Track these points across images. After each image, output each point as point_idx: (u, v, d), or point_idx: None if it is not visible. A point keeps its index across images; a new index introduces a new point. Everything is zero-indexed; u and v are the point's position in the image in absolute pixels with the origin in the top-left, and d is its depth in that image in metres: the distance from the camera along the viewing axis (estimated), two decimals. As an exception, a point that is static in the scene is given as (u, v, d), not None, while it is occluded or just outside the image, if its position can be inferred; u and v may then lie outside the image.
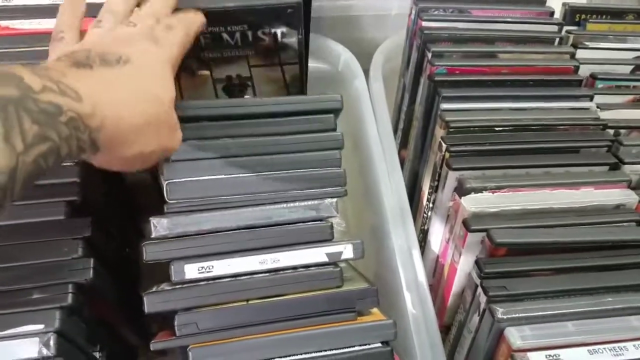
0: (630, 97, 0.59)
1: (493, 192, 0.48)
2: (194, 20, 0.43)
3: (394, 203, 0.57)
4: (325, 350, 0.39)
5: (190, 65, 0.49)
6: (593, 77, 0.59)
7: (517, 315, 0.41)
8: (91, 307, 0.42)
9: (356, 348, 0.40)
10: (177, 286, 0.40)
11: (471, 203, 0.47)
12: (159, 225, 0.40)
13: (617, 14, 0.65)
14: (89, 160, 0.36)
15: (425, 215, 0.60)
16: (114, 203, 0.56)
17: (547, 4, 0.66)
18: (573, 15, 0.64)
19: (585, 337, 0.41)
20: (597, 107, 0.56)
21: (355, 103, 0.69)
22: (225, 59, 0.50)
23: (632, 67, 0.61)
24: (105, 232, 0.47)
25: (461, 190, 0.48)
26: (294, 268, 0.41)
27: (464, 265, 0.49)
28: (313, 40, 0.64)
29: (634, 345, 0.41)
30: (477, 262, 0.45)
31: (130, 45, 0.38)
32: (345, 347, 0.39)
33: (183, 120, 0.40)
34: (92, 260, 0.40)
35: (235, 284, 0.40)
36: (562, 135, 0.54)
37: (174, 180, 0.41)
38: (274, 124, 0.43)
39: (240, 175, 0.42)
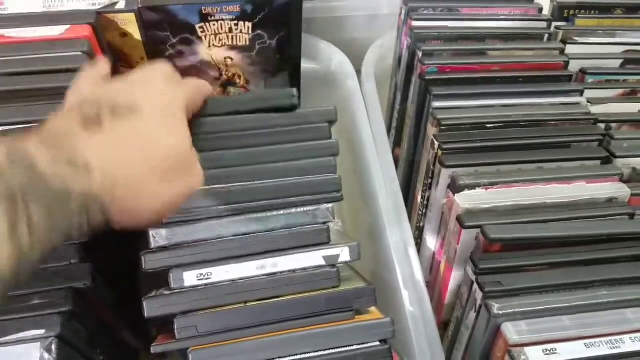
0: (620, 90, 0.60)
1: (486, 189, 0.48)
2: (203, 83, 0.43)
3: (389, 201, 0.57)
4: (324, 350, 0.39)
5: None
6: (583, 72, 0.60)
7: (513, 310, 0.42)
8: (91, 311, 0.42)
9: (355, 347, 0.40)
10: (176, 290, 0.40)
11: (465, 200, 0.47)
12: (157, 236, 0.40)
13: (605, 9, 0.65)
14: (116, 226, 0.34)
15: (420, 212, 0.60)
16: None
17: (536, 0, 0.66)
18: (562, 11, 0.65)
19: (582, 331, 0.41)
20: (588, 102, 0.57)
21: (349, 103, 0.69)
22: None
23: (621, 61, 0.62)
24: (103, 238, 0.47)
25: (454, 187, 0.49)
26: (292, 272, 0.41)
27: (459, 262, 0.49)
28: (305, 41, 0.65)
29: (630, 338, 0.41)
30: (472, 259, 0.45)
31: (141, 89, 0.36)
32: (343, 347, 0.40)
33: None
34: (90, 266, 0.41)
35: (233, 286, 0.40)
36: (553, 130, 0.54)
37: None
38: (271, 134, 0.44)
39: (237, 184, 0.42)
